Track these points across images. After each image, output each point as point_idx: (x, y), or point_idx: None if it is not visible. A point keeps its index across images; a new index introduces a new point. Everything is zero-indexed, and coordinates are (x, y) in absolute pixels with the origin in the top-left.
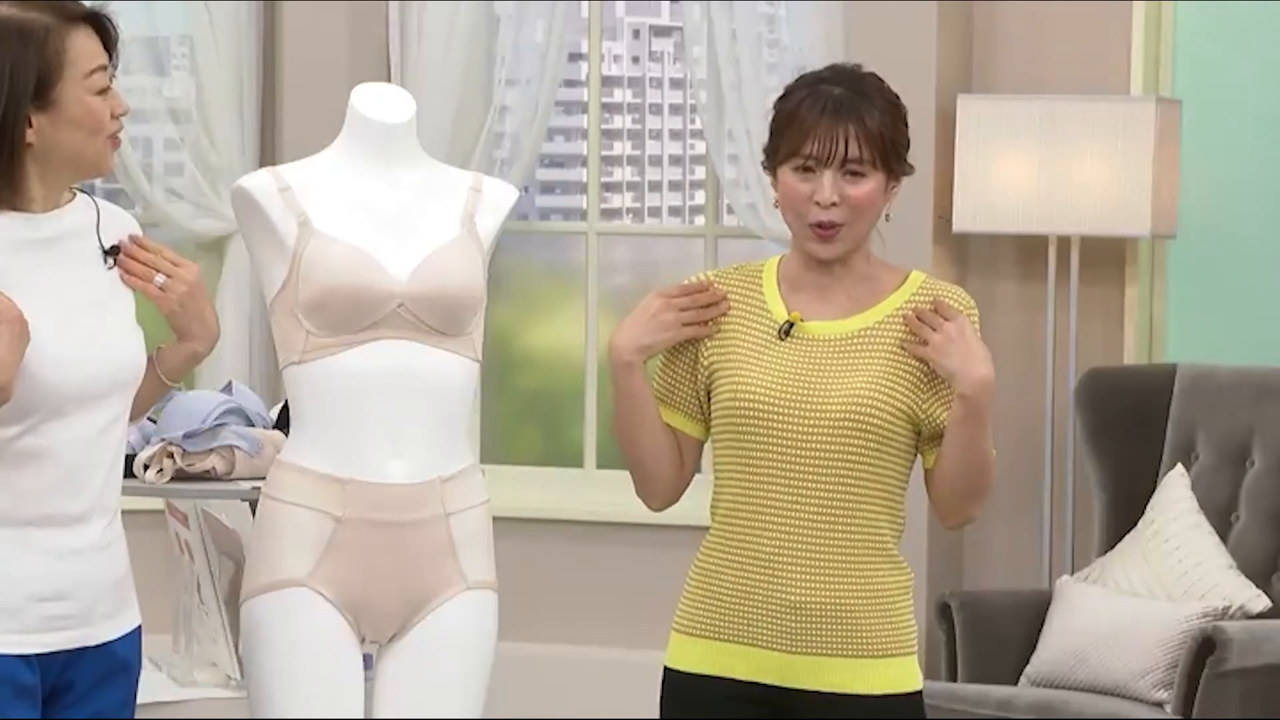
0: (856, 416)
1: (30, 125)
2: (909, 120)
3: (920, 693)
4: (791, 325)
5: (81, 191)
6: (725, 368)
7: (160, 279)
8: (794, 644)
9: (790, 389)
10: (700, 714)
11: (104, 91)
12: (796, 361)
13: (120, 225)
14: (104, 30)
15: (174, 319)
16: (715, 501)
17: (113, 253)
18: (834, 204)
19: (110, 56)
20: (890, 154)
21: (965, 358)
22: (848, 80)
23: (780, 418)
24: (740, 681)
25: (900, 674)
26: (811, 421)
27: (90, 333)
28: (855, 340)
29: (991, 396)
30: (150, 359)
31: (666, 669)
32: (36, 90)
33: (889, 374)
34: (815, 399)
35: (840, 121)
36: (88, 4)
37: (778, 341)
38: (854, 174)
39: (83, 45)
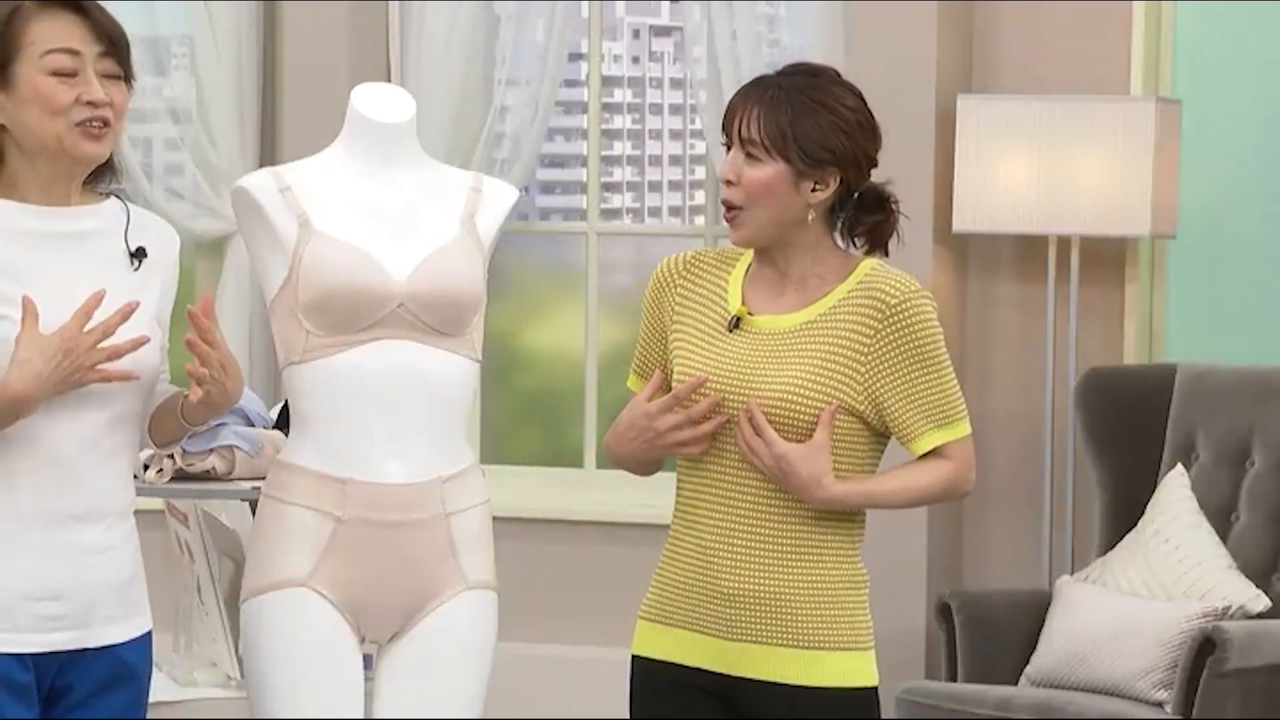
0: (785, 410)
1: None
2: (908, 121)
3: (869, 690)
4: (738, 319)
5: (116, 196)
6: (679, 353)
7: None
8: (730, 631)
9: (728, 382)
10: (656, 698)
11: (67, 74)
12: (739, 354)
13: (156, 234)
14: (92, 19)
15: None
16: (676, 489)
17: (139, 255)
18: (730, 181)
19: (113, 52)
20: (788, 147)
21: (802, 485)
22: (790, 72)
23: (717, 410)
24: (688, 667)
25: (840, 668)
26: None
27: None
28: (796, 334)
29: (846, 500)
30: (179, 405)
31: (631, 656)
32: None
33: (822, 367)
34: (748, 392)
35: (746, 101)
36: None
37: (727, 333)
38: (751, 157)
39: (46, 26)
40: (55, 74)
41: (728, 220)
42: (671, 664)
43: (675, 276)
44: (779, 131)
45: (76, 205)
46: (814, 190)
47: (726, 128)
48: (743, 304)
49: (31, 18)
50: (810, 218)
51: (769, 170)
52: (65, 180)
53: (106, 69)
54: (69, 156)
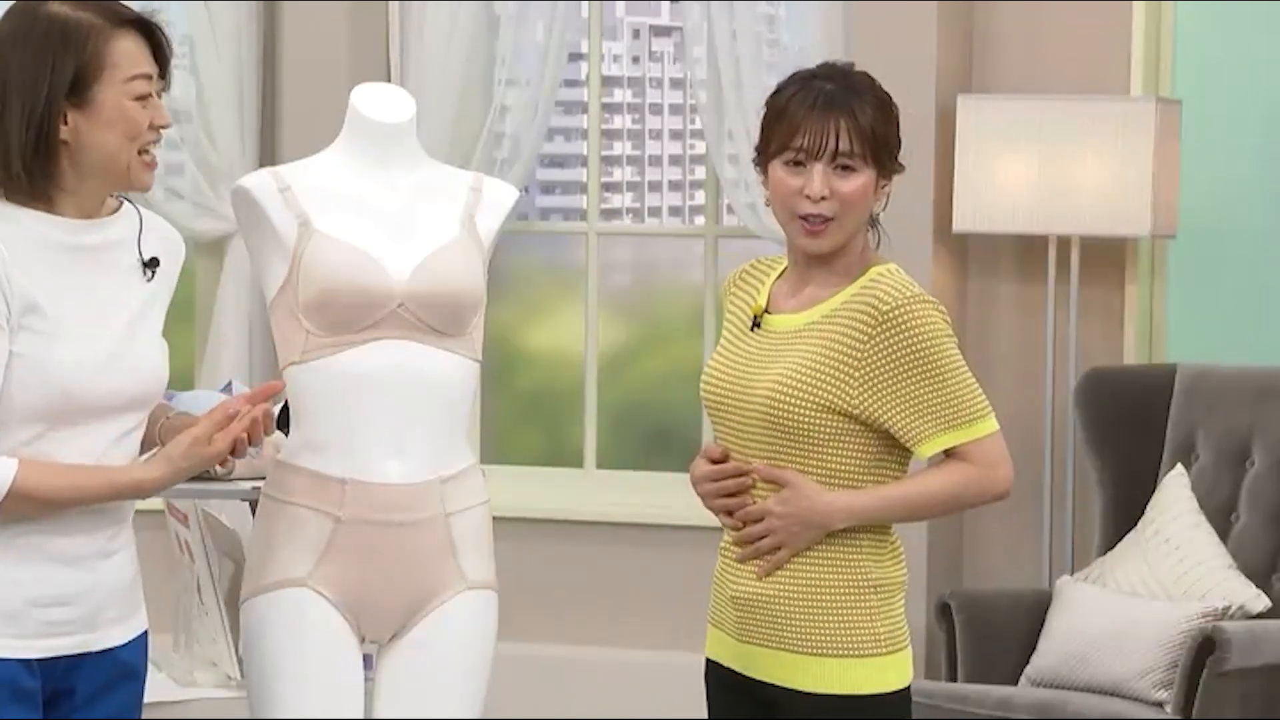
0: (769, 410)
1: (66, 123)
2: (908, 121)
3: (866, 697)
4: (757, 319)
5: (128, 200)
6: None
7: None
8: (739, 633)
9: (731, 382)
10: (711, 695)
11: (144, 99)
12: (749, 353)
13: (166, 243)
14: (154, 40)
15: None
16: None
17: (152, 265)
18: (824, 198)
19: (162, 70)
20: (880, 150)
21: (805, 527)
22: (839, 77)
23: (721, 410)
24: (722, 666)
25: (834, 675)
26: (739, 415)
27: (117, 346)
28: (797, 334)
29: (850, 508)
30: (156, 429)
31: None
32: (74, 88)
33: (811, 368)
34: (742, 392)
35: (831, 115)
36: (139, 11)
37: (748, 333)
38: (844, 168)
39: (126, 49)
40: (137, 99)
41: (816, 233)
42: (715, 663)
43: (729, 287)
44: (871, 137)
45: (99, 216)
46: (881, 188)
47: (786, 142)
48: (766, 304)
49: (112, 39)
50: (872, 216)
51: (862, 178)
52: (104, 196)
53: (159, 88)
54: (129, 183)
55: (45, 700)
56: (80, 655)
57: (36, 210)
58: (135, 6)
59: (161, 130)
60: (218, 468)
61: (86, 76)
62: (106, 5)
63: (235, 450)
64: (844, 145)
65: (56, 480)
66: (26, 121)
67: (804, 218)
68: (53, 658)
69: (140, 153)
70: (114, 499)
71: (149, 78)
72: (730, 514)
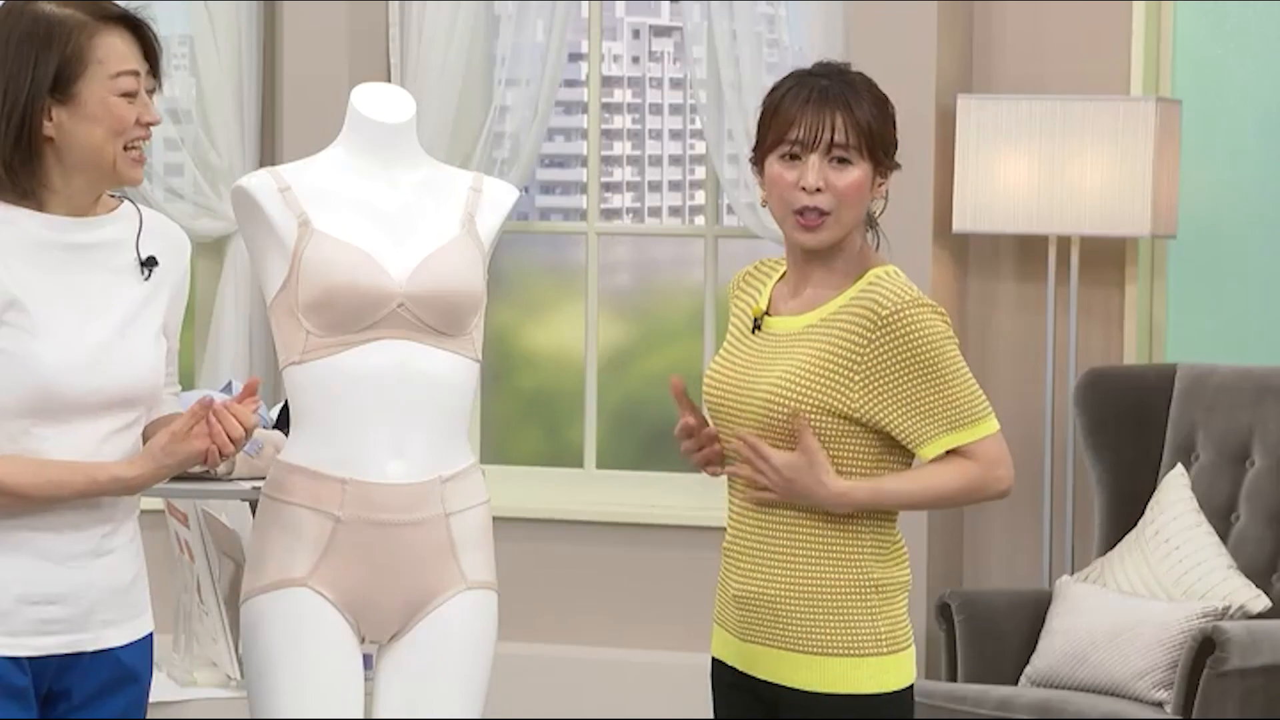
0: (768, 411)
1: (50, 118)
2: (908, 121)
3: (868, 697)
4: (758, 321)
5: (128, 200)
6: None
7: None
8: (742, 632)
9: (732, 383)
10: (716, 694)
11: (131, 95)
12: (750, 356)
13: (167, 241)
14: (142, 37)
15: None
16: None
17: (149, 264)
18: (819, 190)
19: (153, 68)
20: (876, 145)
21: (801, 498)
22: (835, 74)
23: (722, 412)
24: (726, 665)
25: (836, 674)
26: (739, 416)
27: (102, 345)
28: (797, 336)
29: (854, 502)
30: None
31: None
32: (58, 84)
33: (810, 371)
34: (743, 394)
35: (827, 108)
36: (126, 7)
37: (750, 335)
38: (840, 160)
39: (112, 45)
40: (123, 95)
41: (811, 227)
42: (720, 661)
43: (734, 288)
44: (868, 132)
45: (93, 215)
46: (878, 185)
47: (782, 135)
48: (767, 306)
49: (96, 35)
50: (869, 214)
51: (858, 172)
52: (94, 193)
53: (150, 85)
54: (116, 178)
55: (41, 700)
56: (74, 655)
57: (26, 208)
58: (134, 6)
59: (150, 127)
60: (217, 469)
61: (70, 72)
62: (93, 3)
63: (218, 444)
64: (839, 138)
65: (35, 475)
66: (7, 118)
67: (800, 212)
68: (43, 656)
69: (127, 148)
70: (95, 494)
71: (136, 74)
72: (713, 465)
